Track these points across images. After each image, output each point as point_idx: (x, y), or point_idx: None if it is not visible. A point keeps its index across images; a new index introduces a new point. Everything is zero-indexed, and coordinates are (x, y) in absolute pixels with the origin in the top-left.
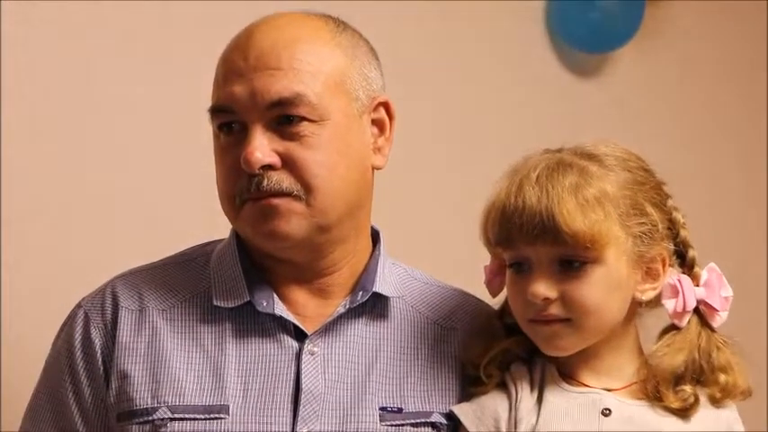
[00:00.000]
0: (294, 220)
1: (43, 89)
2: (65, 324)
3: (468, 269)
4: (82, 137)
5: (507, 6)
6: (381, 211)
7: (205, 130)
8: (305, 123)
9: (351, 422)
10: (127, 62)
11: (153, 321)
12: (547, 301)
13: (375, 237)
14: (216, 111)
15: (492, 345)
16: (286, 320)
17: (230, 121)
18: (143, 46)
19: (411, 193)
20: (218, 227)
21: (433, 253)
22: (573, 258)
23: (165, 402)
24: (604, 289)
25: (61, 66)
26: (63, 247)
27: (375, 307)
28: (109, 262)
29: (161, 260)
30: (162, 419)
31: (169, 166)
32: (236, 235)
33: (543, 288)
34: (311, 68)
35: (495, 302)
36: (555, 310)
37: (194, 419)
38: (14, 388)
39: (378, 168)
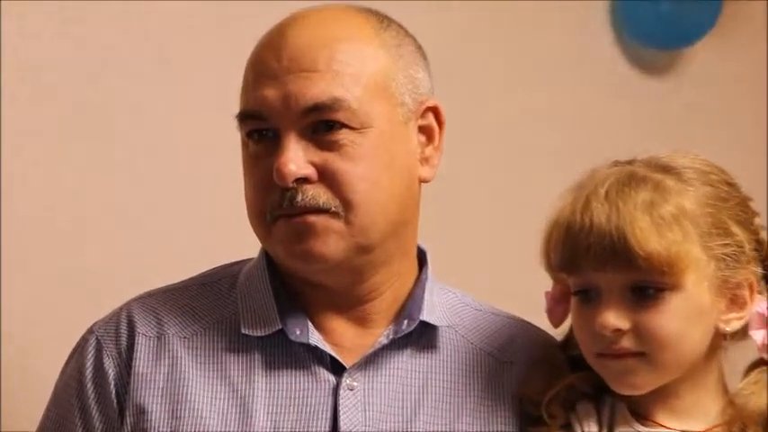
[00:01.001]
0: (331, 240)
1: (47, 91)
2: (74, 351)
3: (526, 295)
4: (90, 145)
5: (568, 4)
6: (426, 229)
7: (232, 137)
8: (344, 131)
9: None
10: (139, 61)
11: (173, 350)
12: (618, 332)
13: (421, 258)
14: (245, 117)
15: (555, 380)
16: (322, 351)
17: (261, 129)
18: (159, 43)
19: (460, 209)
20: (247, 245)
21: (486, 276)
22: (647, 285)
23: None
24: (683, 319)
25: (66, 65)
26: (70, 266)
27: (422, 337)
28: (122, 284)
29: (182, 282)
30: None
31: (190, 176)
32: (266, 255)
33: (614, 318)
34: (351, 70)
35: (558, 333)
36: (627, 342)
37: None
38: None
39: (425, 181)
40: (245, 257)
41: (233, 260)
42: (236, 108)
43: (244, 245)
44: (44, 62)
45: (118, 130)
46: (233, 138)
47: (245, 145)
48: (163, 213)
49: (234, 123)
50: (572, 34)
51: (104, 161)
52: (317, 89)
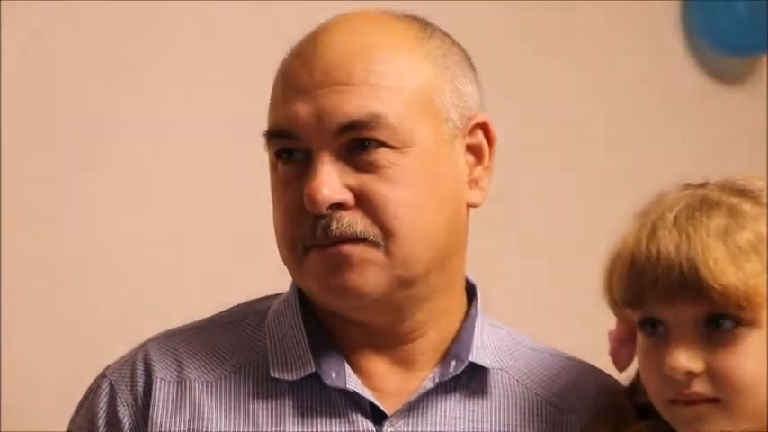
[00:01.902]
0: (370, 273)
1: (51, 112)
2: (85, 397)
3: (587, 335)
4: (96, 168)
5: (635, 6)
6: (474, 259)
7: (259, 157)
8: (383, 151)
9: None
10: (152, 74)
11: (195, 396)
12: (690, 375)
13: (470, 292)
14: (273, 135)
15: (621, 430)
16: (360, 397)
17: (291, 148)
18: (175, 54)
19: (513, 237)
20: (276, 279)
21: (543, 312)
22: (722, 318)
23: None
24: (763, 360)
25: (72, 78)
26: (74, 305)
27: (471, 381)
28: (135, 324)
29: (203, 320)
30: None
31: (211, 203)
32: (298, 290)
33: (685, 359)
34: (391, 83)
35: (624, 377)
36: (700, 387)
37: None
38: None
39: (474, 206)
40: (273, 292)
41: (260, 296)
42: (264, 126)
43: (272, 279)
44: (49, 76)
45: (127, 154)
46: (261, 159)
47: (273, 167)
48: (180, 246)
49: (262, 143)
50: (638, 40)
51: (112, 189)
52: (352, 104)
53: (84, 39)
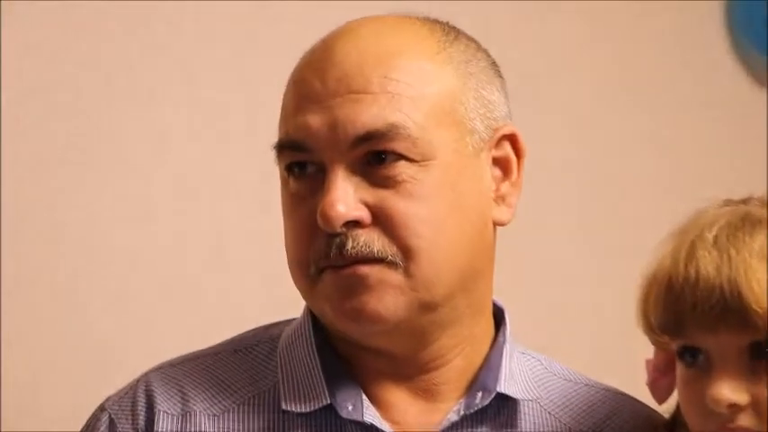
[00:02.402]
0: (388, 296)
1: (50, 120)
2: (83, 431)
3: (623, 363)
4: (92, 184)
5: (676, 6)
6: (501, 281)
7: (267, 170)
8: (402, 164)
9: None
10: (152, 79)
11: (200, 430)
12: (734, 408)
13: (498, 317)
14: (284, 147)
15: None
16: (379, 430)
17: (303, 161)
18: (177, 56)
19: (543, 257)
20: (287, 303)
21: (576, 339)
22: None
23: None
24: None
25: (71, 82)
26: (73, 329)
27: (500, 413)
28: (136, 351)
29: (210, 348)
30: None
31: (218, 219)
32: (311, 314)
33: (728, 390)
34: (411, 91)
35: (664, 409)
36: (746, 421)
37: None
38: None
39: (501, 224)
40: (285, 318)
41: (271, 321)
42: (272, 138)
43: (284, 302)
44: (48, 83)
45: (130, 164)
46: (269, 172)
47: (284, 182)
48: (185, 263)
49: (272, 156)
50: (679, 46)
51: (112, 202)
52: (369, 114)
53: (82, 45)
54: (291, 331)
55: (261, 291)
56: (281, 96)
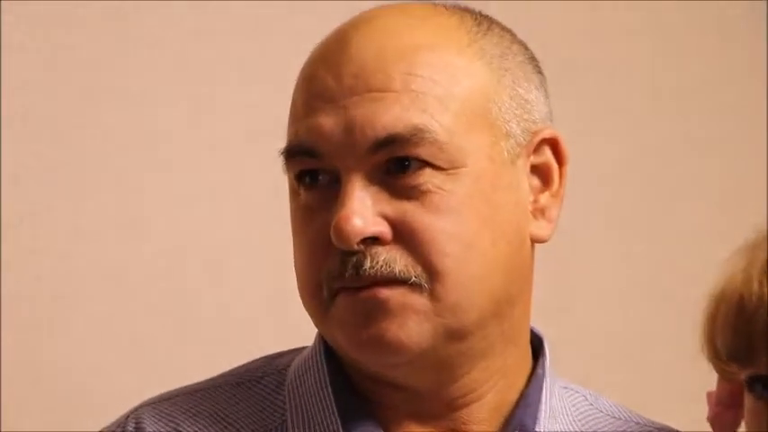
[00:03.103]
0: (412, 322)
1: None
2: None
3: (679, 396)
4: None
5: (714, 6)
6: (540, 306)
7: (273, 179)
8: (428, 172)
9: None
10: (143, 78)
11: None
12: None
13: (536, 346)
14: (293, 153)
15: None
16: None
17: (315, 169)
18: (170, 53)
19: (586, 278)
20: (296, 329)
21: (624, 370)
22: None
23: None
24: None
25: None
26: (49, 349)
27: None
28: (126, 383)
29: (208, 381)
30: None
31: (214, 231)
32: (323, 343)
33: None
34: (438, 90)
35: None
36: None
37: None
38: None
39: (540, 241)
40: (293, 346)
41: (277, 350)
42: (279, 142)
43: (292, 328)
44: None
45: (117, 170)
46: (275, 181)
47: (293, 192)
48: (180, 282)
49: (278, 163)
50: (718, 50)
51: (99, 213)
52: (390, 116)
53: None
54: (301, 362)
55: (266, 315)
56: (289, 95)
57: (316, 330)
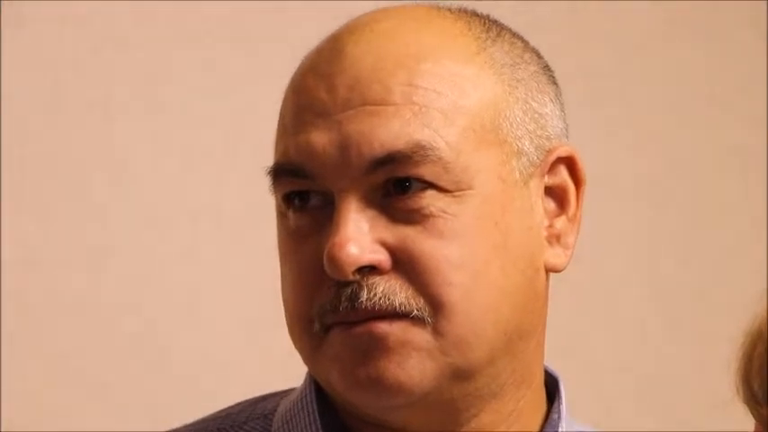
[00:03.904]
0: (413, 361)
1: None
2: None
3: None
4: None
5: (715, 6)
6: (555, 342)
7: (255, 200)
8: (431, 194)
9: None
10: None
11: None
12: None
13: (551, 387)
14: (281, 173)
15: None
16: None
17: (305, 191)
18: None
19: (603, 310)
20: (281, 368)
21: (648, 414)
22: None
23: None
24: None
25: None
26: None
27: None
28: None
29: (186, 427)
30: None
31: (190, 259)
32: (314, 384)
33: None
34: (442, 102)
35: None
36: None
37: None
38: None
39: (555, 270)
40: (280, 389)
41: (261, 393)
42: (262, 159)
43: (277, 367)
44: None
45: (84, 192)
46: (258, 202)
47: (281, 216)
48: (152, 319)
49: (262, 182)
50: (719, 54)
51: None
52: (389, 131)
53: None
54: (289, 406)
55: (247, 352)
56: (274, 107)
57: (304, 369)
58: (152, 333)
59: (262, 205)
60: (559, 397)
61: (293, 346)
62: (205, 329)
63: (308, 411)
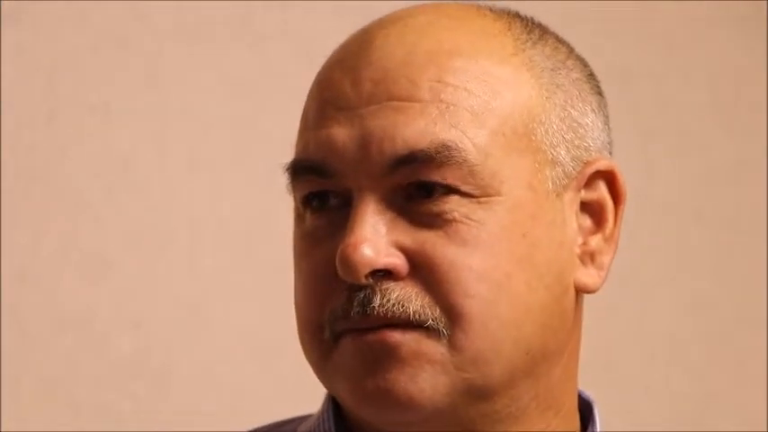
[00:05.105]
0: (425, 374)
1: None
2: None
3: None
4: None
5: (714, 6)
6: (589, 364)
7: (261, 205)
8: (455, 199)
9: None
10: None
11: None
12: None
13: (585, 413)
14: (300, 170)
15: None
16: None
17: (324, 191)
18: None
19: (641, 330)
20: (292, 386)
21: None
22: None
23: None
24: None
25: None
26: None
27: None
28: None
29: None
30: None
31: (191, 269)
32: (333, 404)
33: None
34: (473, 102)
35: None
36: None
37: None
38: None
39: (587, 291)
40: (289, 409)
41: (271, 416)
42: (270, 165)
43: (289, 388)
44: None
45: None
46: (271, 211)
47: (298, 217)
48: (153, 333)
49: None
50: (718, 60)
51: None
52: (414, 129)
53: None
54: (308, 430)
55: (256, 373)
56: (285, 109)
57: (315, 389)
58: (151, 351)
59: (270, 213)
60: (593, 423)
61: (302, 365)
62: (209, 347)
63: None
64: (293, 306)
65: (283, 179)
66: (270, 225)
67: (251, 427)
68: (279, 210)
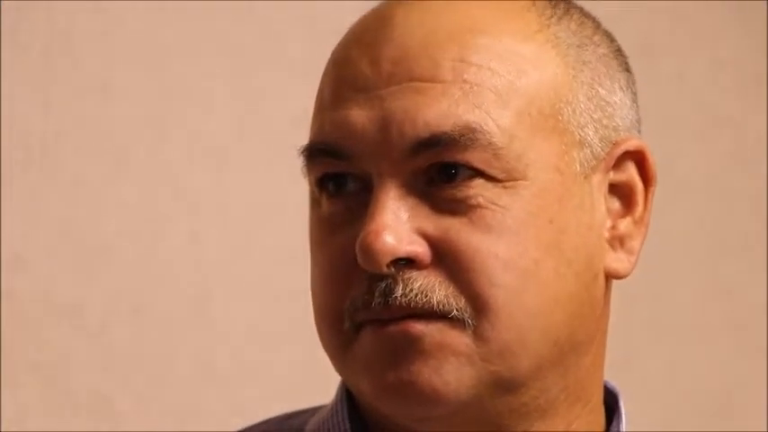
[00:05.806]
0: (450, 366)
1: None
2: None
3: None
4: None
5: (713, 6)
6: (616, 355)
7: (277, 188)
8: (479, 183)
9: None
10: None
11: None
12: None
13: (610, 404)
14: (316, 152)
15: None
16: None
17: (342, 173)
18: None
19: (667, 318)
20: (300, 376)
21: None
22: None
23: None
24: None
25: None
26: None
27: None
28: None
29: None
30: None
31: (197, 256)
32: (347, 395)
33: None
34: (497, 82)
35: None
36: None
37: None
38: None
39: (617, 277)
40: (298, 400)
41: (279, 407)
42: (276, 148)
43: (298, 377)
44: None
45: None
46: (277, 196)
47: (314, 201)
48: (156, 324)
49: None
50: (718, 58)
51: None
52: (436, 111)
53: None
54: (319, 423)
55: (263, 363)
56: (291, 92)
57: (326, 378)
58: (153, 339)
59: (272, 198)
60: (619, 416)
61: (304, 354)
62: (209, 335)
63: (339, 425)
64: (295, 294)
65: (285, 163)
66: (272, 210)
67: (256, 420)
68: (281, 195)
